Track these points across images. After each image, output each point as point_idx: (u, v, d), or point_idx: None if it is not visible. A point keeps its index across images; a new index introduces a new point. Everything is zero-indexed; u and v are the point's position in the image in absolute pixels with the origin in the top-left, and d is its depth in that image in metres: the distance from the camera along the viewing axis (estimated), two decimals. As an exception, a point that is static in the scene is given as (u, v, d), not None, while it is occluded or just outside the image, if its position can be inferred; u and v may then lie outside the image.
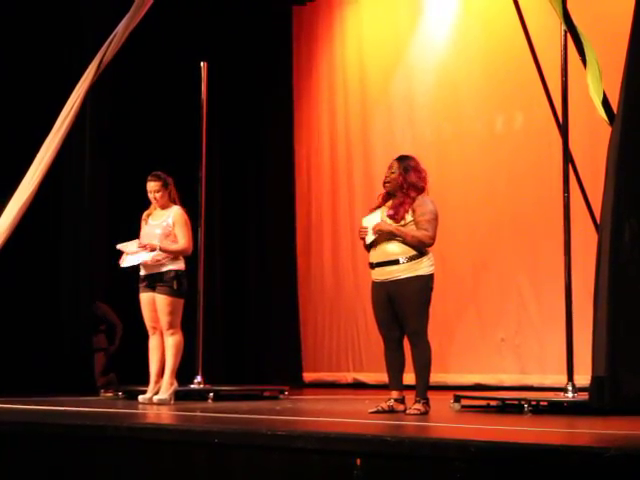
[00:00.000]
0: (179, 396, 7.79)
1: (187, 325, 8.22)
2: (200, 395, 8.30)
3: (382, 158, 9.84)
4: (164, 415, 6.64)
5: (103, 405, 7.58)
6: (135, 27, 7.87)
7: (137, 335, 8.31)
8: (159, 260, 7.53)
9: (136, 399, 7.67)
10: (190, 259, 8.03)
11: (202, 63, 9.26)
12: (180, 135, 10.39)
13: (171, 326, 7.57)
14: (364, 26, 11.42)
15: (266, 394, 8.82)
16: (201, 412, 6.68)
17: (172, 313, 7.56)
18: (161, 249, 7.54)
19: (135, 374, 8.76)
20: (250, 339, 11.45)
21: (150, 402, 7.49)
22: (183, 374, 7.95)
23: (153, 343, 7.71)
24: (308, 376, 11.44)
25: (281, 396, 8.65)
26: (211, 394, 8.19)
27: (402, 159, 6.45)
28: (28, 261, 9.42)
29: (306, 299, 11.63)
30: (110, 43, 7.81)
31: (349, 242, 11.13)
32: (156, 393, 7.58)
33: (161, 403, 7.43)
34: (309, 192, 11.79)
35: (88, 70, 7.81)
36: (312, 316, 11.59)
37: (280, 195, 11.74)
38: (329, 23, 11.77)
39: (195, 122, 9.17)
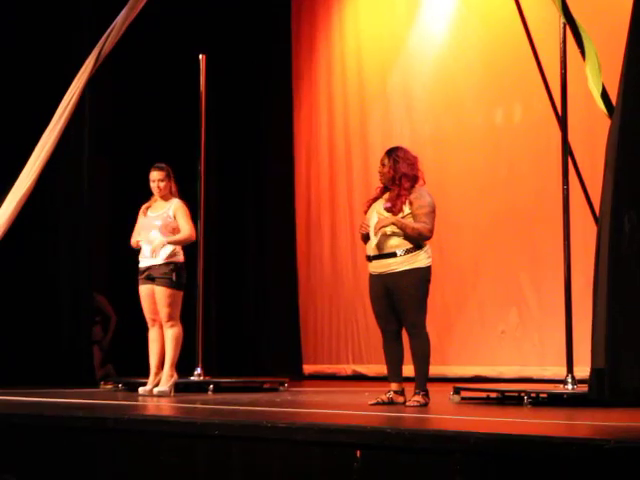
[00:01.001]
0: (179, 388, 7.80)
1: (187, 317, 8.23)
2: (200, 387, 8.31)
3: (380, 151, 9.65)
4: (164, 407, 6.65)
5: (103, 397, 7.59)
6: (134, 19, 7.87)
7: (136, 327, 8.32)
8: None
9: (136, 391, 7.68)
10: (189, 252, 8.03)
11: (201, 55, 9.25)
12: (179, 128, 10.38)
13: (170, 318, 7.57)
14: (362, 18, 11.40)
15: (266, 386, 8.83)
16: (201, 404, 6.69)
17: (171, 305, 7.56)
18: (168, 243, 7.56)
19: (134, 366, 8.77)
20: (250, 331, 11.44)
21: (150, 394, 7.50)
22: (183, 366, 7.96)
23: (153, 335, 7.72)
24: (308, 368, 11.44)
25: (281, 388, 8.66)
26: (211, 386, 8.20)
27: (390, 152, 6.48)
28: (27, 253, 9.41)
29: (305, 291, 11.63)
30: (109, 35, 7.81)
31: (348, 234, 11.13)
32: (156, 385, 7.59)
33: (161, 395, 7.44)
34: (308, 185, 11.78)
35: (87, 62, 7.82)
36: (312, 308, 11.59)
37: (279, 188, 11.72)
38: (328, 16, 11.75)
39: (194, 114, 9.16)
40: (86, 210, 9.84)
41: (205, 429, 4.78)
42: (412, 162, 6.43)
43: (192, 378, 8.49)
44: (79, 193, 9.79)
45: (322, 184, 11.66)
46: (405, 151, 6.47)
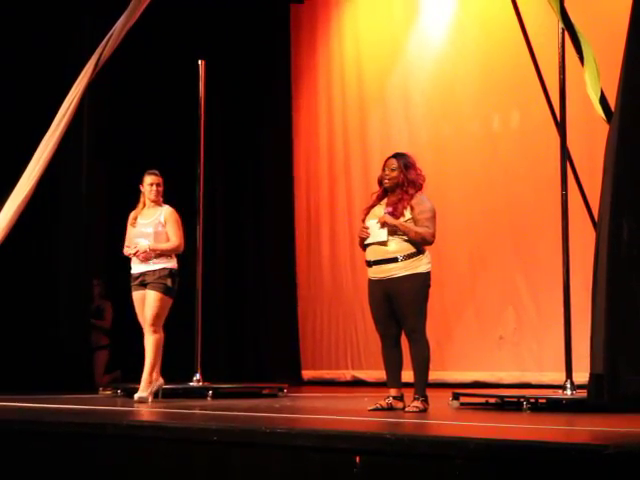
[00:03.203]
0: (178, 394, 7.80)
1: (186, 323, 8.22)
2: (199, 393, 8.31)
3: (379, 156, 9.77)
4: (163, 413, 6.64)
5: (102, 403, 7.58)
6: (133, 24, 7.88)
7: (134, 333, 8.30)
8: (151, 255, 7.54)
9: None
10: (189, 257, 8.02)
11: (200, 61, 9.26)
12: (178, 133, 10.38)
13: (155, 322, 7.46)
14: (361, 24, 11.42)
15: (265, 392, 8.82)
16: (200, 410, 6.68)
17: (159, 309, 7.48)
18: (151, 249, 7.52)
19: (134, 372, 8.75)
20: (249, 337, 11.44)
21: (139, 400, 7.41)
22: (182, 371, 7.95)
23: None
24: (307, 374, 11.43)
25: (280, 394, 8.65)
26: (210, 392, 8.19)
27: (400, 156, 6.43)
28: (26, 258, 9.41)
29: (305, 297, 11.62)
30: (108, 40, 7.83)
31: (347, 240, 11.13)
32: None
33: (141, 401, 7.35)
34: (307, 190, 11.79)
35: (86, 68, 7.83)
36: (311, 314, 11.58)
37: (278, 193, 11.73)
38: (326, 21, 11.76)
39: (193, 120, 9.17)
40: (85, 213, 9.84)
41: (204, 435, 4.78)
42: (419, 172, 6.42)
43: (191, 384, 8.48)
44: (78, 197, 9.79)
45: (321, 189, 11.67)
46: (414, 159, 6.45)
